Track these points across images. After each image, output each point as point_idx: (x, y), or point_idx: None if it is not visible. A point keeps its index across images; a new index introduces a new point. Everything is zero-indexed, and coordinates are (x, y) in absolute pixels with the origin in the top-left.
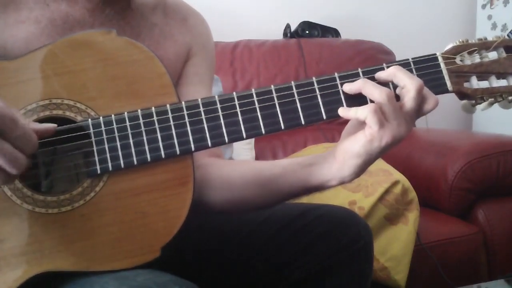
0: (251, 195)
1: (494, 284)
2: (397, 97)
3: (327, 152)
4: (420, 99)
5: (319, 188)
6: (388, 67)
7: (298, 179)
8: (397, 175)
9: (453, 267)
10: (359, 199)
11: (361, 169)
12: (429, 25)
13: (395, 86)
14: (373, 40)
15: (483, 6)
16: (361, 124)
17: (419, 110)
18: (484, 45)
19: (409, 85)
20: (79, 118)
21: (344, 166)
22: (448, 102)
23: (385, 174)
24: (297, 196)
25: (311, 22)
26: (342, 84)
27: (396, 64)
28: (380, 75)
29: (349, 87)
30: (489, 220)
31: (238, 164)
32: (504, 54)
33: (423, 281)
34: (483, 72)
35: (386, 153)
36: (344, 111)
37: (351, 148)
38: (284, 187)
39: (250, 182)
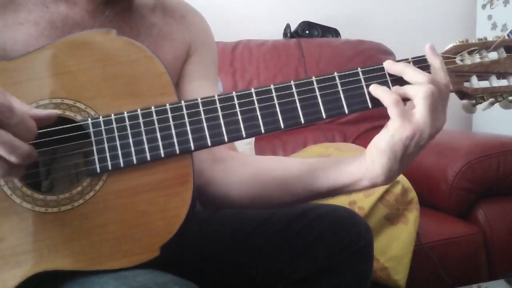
0: (276, 193)
1: (494, 284)
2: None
3: (358, 154)
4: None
5: (350, 187)
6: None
7: (326, 176)
8: None
9: (453, 267)
10: (359, 199)
11: (390, 169)
12: (429, 25)
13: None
14: (373, 40)
15: (483, 6)
16: None
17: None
18: (484, 45)
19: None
20: (78, 117)
21: (373, 164)
22: (448, 102)
23: None
24: (323, 195)
25: (311, 22)
26: (341, 84)
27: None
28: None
29: (390, 67)
30: (489, 220)
31: (265, 160)
32: (504, 54)
33: (423, 281)
34: (483, 72)
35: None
36: (374, 89)
37: (376, 144)
38: (310, 185)
39: (277, 178)
